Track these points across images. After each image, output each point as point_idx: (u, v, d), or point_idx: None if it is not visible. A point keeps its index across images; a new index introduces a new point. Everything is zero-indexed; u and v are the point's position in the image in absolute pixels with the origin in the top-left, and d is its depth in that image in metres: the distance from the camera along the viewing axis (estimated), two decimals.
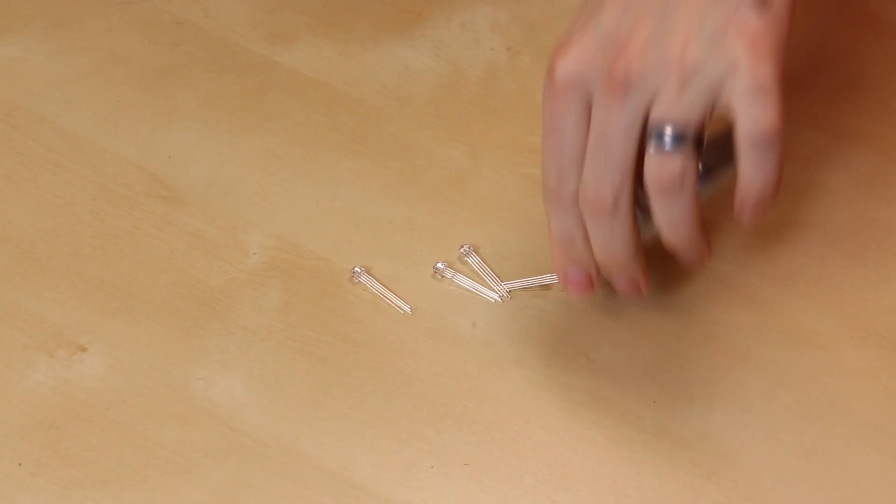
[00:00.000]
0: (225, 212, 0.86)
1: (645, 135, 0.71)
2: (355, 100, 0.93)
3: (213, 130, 0.91)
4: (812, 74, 0.93)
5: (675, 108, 0.71)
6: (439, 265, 0.83)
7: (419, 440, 0.76)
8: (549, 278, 0.82)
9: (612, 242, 0.74)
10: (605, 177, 0.72)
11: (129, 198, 0.87)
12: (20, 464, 0.75)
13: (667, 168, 0.71)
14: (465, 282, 0.83)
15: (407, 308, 0.81)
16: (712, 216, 0.86)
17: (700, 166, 0.72)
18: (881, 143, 0.89)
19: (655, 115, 0.71)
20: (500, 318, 0.81)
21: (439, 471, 0.75)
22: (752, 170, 0.71)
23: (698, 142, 0.71)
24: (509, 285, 0.82)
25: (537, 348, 0.80)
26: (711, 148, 0.73)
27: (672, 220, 0.73)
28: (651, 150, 0.71)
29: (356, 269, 0.83)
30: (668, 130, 0.71)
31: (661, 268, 0.83)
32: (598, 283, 0.77)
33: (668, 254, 0.83)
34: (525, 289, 0.82)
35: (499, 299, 0.82)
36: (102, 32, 0.97)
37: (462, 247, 0.84)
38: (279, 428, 0.77)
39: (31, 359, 0.79)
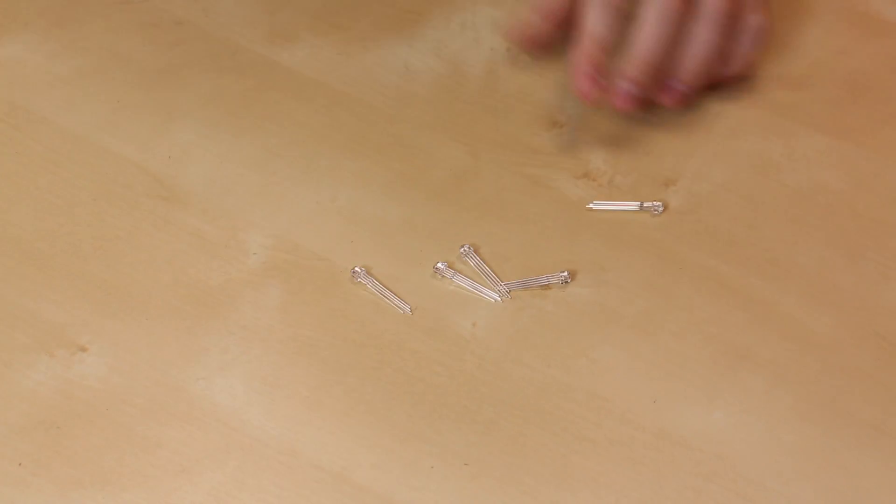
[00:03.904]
0: (225, 212, 0.86)
1: None
2: (355, 100, 0.93)
3: (213, 130, 0.91)
4: (812, 74, 0.93)
5: None
6: (439, 265, 0.83)
7: (419, 440, 0.76)
8: (548, 279, 0.82)
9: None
10: None
11: (129, 198, 0.87)
12: (20, 464, 0.75)
13: None
14: (465, 282, 0.83)
15: (407, 308, 0.81)
16: (713, 218, 0.86)
17: None
18: (881, 143, 0.89)
19: None
20: (500, 318, 0.81)
21: (439, 471, 0.75)
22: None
23: None
24: (509, 285, 0.82)
25: (537, 348, 0.80)
26: None
27: None
28: None
29: (356, 269, 0.83)
30: None
31: (661, 268, 0.83)
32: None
33: (671, 252, 0.84)
34: (525, 289, 0.82)
35: (499, 299, 0.82)
36: (102, 32, 0.97)
37: (462, 247, 0.84)
38: (279, 428, 0.77)
39: (31, 359, 0.79)
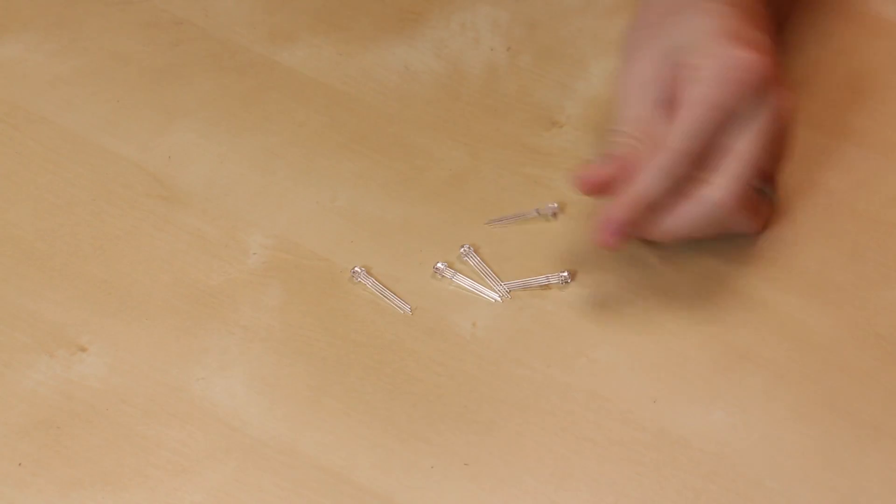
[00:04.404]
0: (225, 212, 0.86)
1: None
2: (355, 100, 0.93)
3: (213, 130, 0.91)
4: (812, 74, 0.93)
5: None
6: (439, 265, 0.83)
7: (419, 440, 0.76)
8: (548, 279, 0.82)
9: (707, 226, 0.80)
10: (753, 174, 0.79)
11: (129, 198, 0.87)
12: (20, 464, 0.75)
13: None
14: (465, 282, 0.83)
15: (407, 308, 0.81)
16: None
17: None
18: (881, 143, 0.89)
19: None
20: (500, 318, 0.81)
21: (439, 471, 0.75)
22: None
23: None
24: (509, 285, 0.82)
25: (537, 348, 0.80)
26: None
27: None
28: None
29: (356, 269, 0.83)
30: None
31: (661, 268, 0.83)
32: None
33: (670, 252, 0.84)
34: (525, 289, 0.82)
35: (499, 299, 0.82)
36: (102, 32, 0.97)
37: (462, 247, 0.84)
38: (279, 428, 0.77)
39: (31, 359, 0.79)
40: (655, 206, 0.79)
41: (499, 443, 0.76)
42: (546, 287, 0.82)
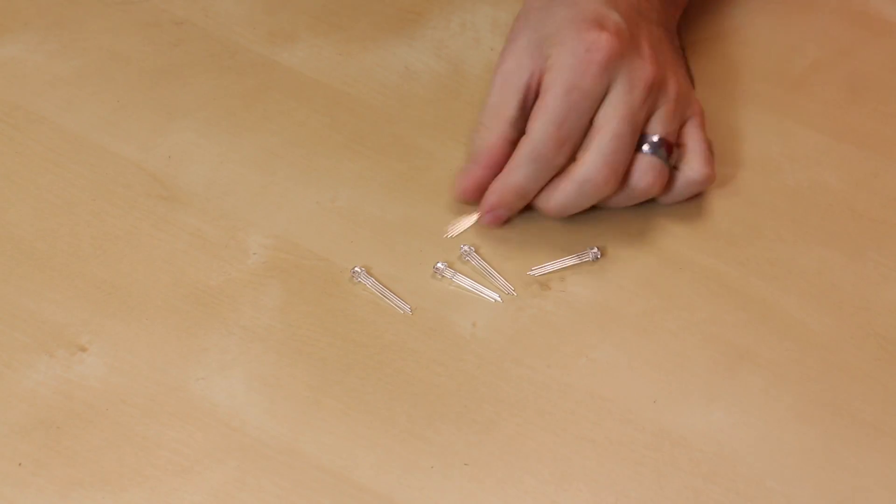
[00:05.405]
0: (225, 212, 0.86)
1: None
2: (355, 100, 0.93)
3: (213, 130, 0.91)
4: (812, 74, 0.93)
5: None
6: (439, 265, 0.83)
7: (419, 440, 0.76)
8: (579, 257, 0.82)
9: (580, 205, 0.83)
10: (625, 161, 0.82)
11: (129, 198, 0.87)
12: (20, 464, 0.75)
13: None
14: (465, 282, 0.83)
15: (407, 308, 0.81)
16: (713, 218, 0.86)
17: None
18: (881, 143, 0.89)
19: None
20: (500, 318, 0.81)
21: (439, 471, 0.75)
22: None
23: None
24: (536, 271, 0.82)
25: (537, 348, 0.80)
26: None
27: None
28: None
29: (356, 269, 0.83)
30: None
31: (661, 268, 0.83)
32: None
33: (671, 252, 0.84)
34: (525, 286, 0.82)
35: (499, 299, 0.82)
36: (102, 32, 0.97)
37: (462, 247, 0.84)
38: (279, 428, 0.77)
39: (31, 359, 0.79)
40: (528, 192, 0.83)
41: (499, 443, 0.76)
42: (546, 287, 0.82)
